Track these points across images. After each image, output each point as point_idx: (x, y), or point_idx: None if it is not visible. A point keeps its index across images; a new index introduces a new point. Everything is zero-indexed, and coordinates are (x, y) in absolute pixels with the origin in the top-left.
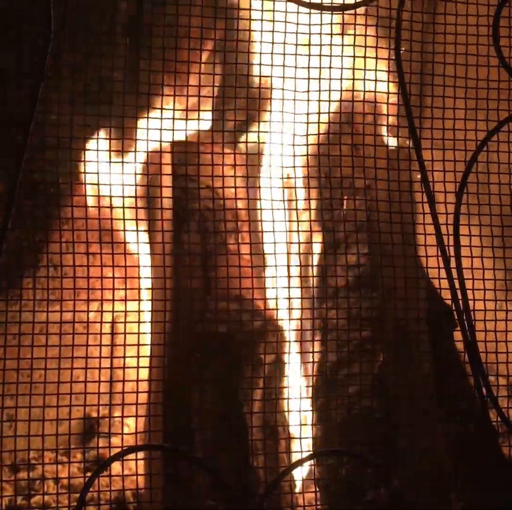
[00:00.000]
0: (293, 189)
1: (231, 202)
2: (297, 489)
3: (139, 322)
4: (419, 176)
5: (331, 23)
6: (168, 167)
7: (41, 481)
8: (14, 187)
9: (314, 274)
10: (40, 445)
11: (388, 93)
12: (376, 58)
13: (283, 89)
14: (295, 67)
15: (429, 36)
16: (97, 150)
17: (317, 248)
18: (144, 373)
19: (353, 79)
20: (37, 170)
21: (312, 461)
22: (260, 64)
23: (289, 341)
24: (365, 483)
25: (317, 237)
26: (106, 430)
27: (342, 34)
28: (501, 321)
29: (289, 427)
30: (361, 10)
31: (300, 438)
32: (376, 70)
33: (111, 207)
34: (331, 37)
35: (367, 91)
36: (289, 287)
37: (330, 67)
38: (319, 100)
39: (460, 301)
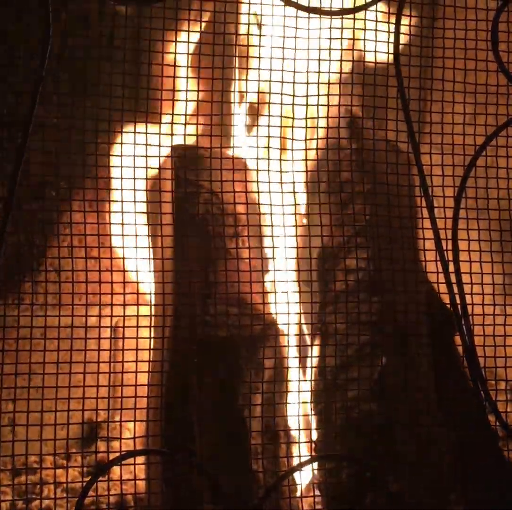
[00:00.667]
0: (293, 193)
1: (232, 207)
2: (297, 493)
3: (137, 326)
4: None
5: (330, 28)
6: (168, 172)
7: (41, 485)
8: (12, 189)
9: (314, 279)
10: (40, 449)
11: (387, 97)
12: (375, 62)
13: (281, 93)
14: (294, 72)
15: (428, 41)
16: (96, 153)
17: (316, 252)
18: (143, 378)
19: (352, 83)
20: (37, 173)
21: (311, 465)
22: (259, 69)
23: (289, 346)
24: (364, 487)
25: (317, 242)
26: (105, 435)
27: (341, 38)
28: (500, 325)
29: (289, 431)
30: (360, 14)
31: (299, 442)
32: (374, 74)
33: (109, 211)
34: (330, 41)
35: (366, 96)
36: (288, 292)
37: (329, 72)
38: (317, 105)
39: (459, 306)
